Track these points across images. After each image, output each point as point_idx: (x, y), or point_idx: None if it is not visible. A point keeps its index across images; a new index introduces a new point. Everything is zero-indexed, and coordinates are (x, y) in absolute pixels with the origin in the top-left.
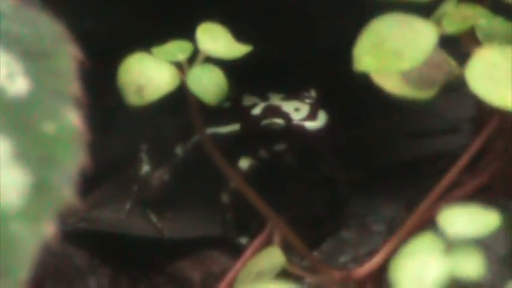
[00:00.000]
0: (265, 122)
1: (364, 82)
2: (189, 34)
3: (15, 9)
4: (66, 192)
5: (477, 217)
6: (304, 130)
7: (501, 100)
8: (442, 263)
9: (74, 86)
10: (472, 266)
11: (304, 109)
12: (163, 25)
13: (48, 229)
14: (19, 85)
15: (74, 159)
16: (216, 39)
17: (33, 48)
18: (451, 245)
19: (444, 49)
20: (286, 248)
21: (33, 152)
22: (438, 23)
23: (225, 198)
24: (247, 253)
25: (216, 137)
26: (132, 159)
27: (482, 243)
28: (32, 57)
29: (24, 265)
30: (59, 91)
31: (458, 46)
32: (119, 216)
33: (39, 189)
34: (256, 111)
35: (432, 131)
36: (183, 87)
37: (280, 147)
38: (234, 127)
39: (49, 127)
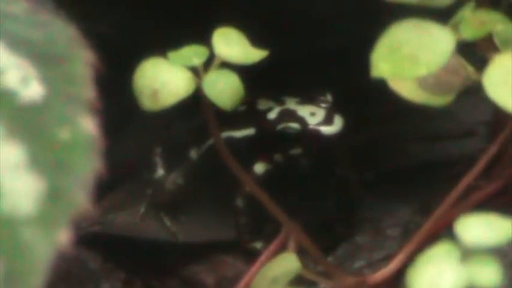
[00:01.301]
0: (280, 126)
1: (379, 84)
2: (204, 38)
3: (29, 13)
4: (80, 199)
5: (494, 225)
6: (319, 135)
7: None
8: (458, 271)
9: (88, 92)
10: (488, 275)
11: (320, 113)
12: (179, 29)
13: (62, 236)
14: (33, 90)
15: (89, 165)
16: (231, 44)
17: (47, 53)
18: (468, 253)
19: (461, 54)
20: (301, 253)
21: (47, 159)
22: (455, 28)
23: (239, 202)
24: (262, 258)
25: (231, 141)
26: (147, 163)
27: (496, 249)
28: (45, 61)
29: (37, 272)
30: (74, 96)
31: (475, 51)
32: (133, 219)
33: (53, 196)
34: (272, 115)
35: (448, 134)
36: (197, 91)
37: (295, 151)
38: (249, 131)
39: (63, 133)
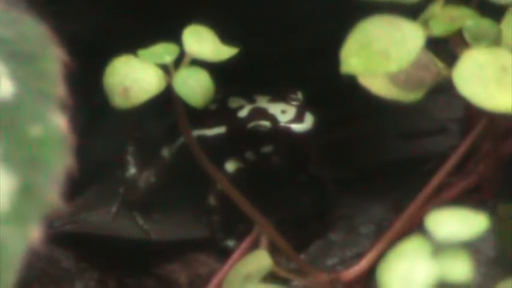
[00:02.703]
0: (251, 124)
1: (352, 82)
2: (175, 36)
3: (0, 12)
4: (52, 195)
5: (466, 220)
6: (290, 132)
7: (489, 101)
8: (430, 265)
9: (59, 88)
10: (460, 269)
11: (291, 111)
12: (149, 27)
13: (34, 232)
14: (4, 87)
15: (60, 162)
16: (202, 42)
17: (18, 50)
18: (440, 248)
19: (432, 50)
20: (274, 250)
21: (18, 155)
22: (425, 24)
23: (211, 200)
24: (235, 255)
25: (203, 139)
26: (119, 161)
27: (471, 246)
28: (16, 59)
29: (10, 268)
30: (45, 93)
31: (446, 47)
32: (106, 218)
33: (25, 192)
34: (243, 113)
35: (420, 131)
36: (169, 90)
37: (267, 149)
38: (221, 129)
39: (35, 130)
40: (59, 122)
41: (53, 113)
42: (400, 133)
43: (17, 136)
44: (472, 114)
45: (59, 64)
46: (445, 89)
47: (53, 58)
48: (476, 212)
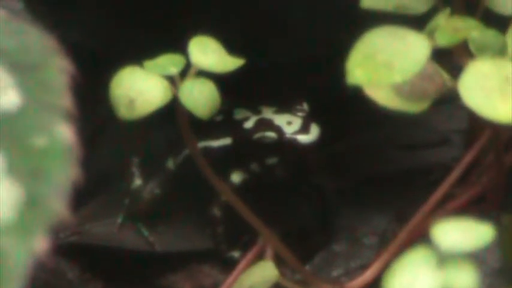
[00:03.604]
0: (257, 135)
1: (356, 93)
2: (180, 47)
3: (4, 22)
4: (57, 206)
5: (470, 231)
6: (296, 143)
7: (493, 112)
8: (434, 276)
9: (64, 99)
10: (464, 279)
11: (297, 122)
12: (155, 37)
13: (39, 243)
14: (10, 98)
15: (65, 172)
16: (208, 53)
17: (23, 61)
18: (444, 259)
19: (437, 61)
20: (278, 261)
21: (24, 166)
22: (431, 35)
23: (216, 211)
24: (240, 267)
25: (208, 151)
26: (124, 173)
27: (475, 257)
28: (22, 69)
29: (14, 280)
30: (50, 104)
31: (451, 58)
32: (111, 230)
33: (30, 203)
34: (248, 124)
35: (424, 143)
36: (174, 100)
37: (272, 160)
38: (226, 141)
39: (40, 141)
40: (64, 132)
41: (58, 124)
42: (404, 144)
43: (21, 147)
44: (475, 125)
45: (64, 75)
46: (448, 100)
47: (58, 69)
48: (480, 222)
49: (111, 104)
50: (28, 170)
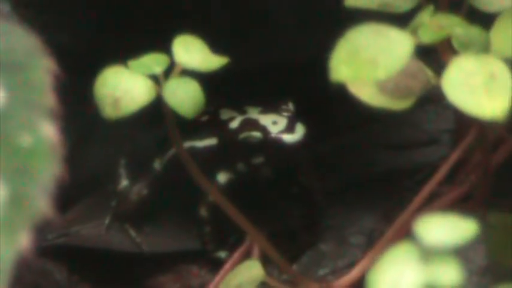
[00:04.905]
0: (242, 135)
1: (342, 93)
2: (165, 47)
3: None
4: (42, 204)
5: (454, 226)
6: (282, 143)
7: (477, 108)
8: (418, 271)
9: (48, 98)
10: (448, 274)
11: (282, 122)
12: (140, 38)
13: (24, 241)
14: None
15: (49, 171)
16: (192, 52)
17: (8, 61)
18: (428, 254)
19: (423, 60)
20: (265, 261)
21: (8, 164)
22: (414, 32)
23: (203, 212)
24: (227, 266)
25: (194, 151)
26: (111, 174)
27: (462, 255)
28: (6, 69)
29: (1, 276)
30: (34, 103)
31: (438, 57)
32: (98, 231)
33: (14, 201)
34: (234, 124)
35: (411, 142)
36: (160, 101)
37: (258, 160)
38: (212, 141)
39: (24, 139)
40: (48, 131)
41: (42, 123)
42: (391, 144)
43: (6, 145)
44: (462, 124)
45: (48, 74)
46: (435, 99)
47: (42, 69)
48: (464, 218)
49: (97, 105)
50: (13, 168)
